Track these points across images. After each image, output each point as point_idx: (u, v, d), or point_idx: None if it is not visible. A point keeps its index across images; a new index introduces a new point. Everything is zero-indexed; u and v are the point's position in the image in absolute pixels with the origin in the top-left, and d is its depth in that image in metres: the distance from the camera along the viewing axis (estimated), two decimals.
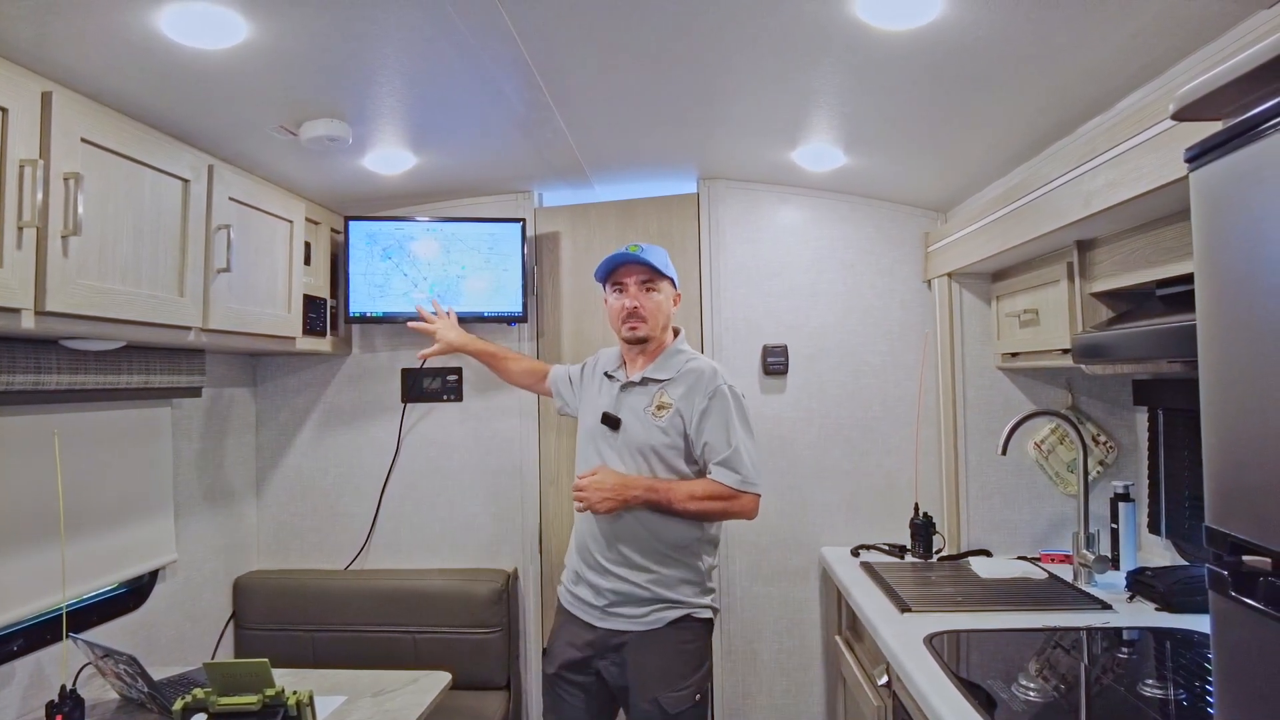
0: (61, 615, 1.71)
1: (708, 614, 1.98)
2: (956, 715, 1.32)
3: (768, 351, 2.67)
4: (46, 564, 1.82)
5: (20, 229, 1.39)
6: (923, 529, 2.45)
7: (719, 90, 1.90)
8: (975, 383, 2.52)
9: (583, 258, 2.82)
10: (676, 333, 2.11)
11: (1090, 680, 1.53)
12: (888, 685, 1.78)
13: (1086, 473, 2.21)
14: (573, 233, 2.83)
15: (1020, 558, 2.39)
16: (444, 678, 1.97)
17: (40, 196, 1.41)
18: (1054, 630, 1.75)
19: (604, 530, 1.96)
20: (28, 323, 1.43)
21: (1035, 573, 2.22)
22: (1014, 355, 2.36)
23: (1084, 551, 2.10)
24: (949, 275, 2.51)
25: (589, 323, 2.81)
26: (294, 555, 2.80)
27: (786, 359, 2.67)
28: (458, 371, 2.81)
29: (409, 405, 2.82)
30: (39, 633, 1.85)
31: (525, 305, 2.69)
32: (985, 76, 1.68)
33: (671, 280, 2.07)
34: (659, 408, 1.97)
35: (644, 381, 2.01)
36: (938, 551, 2.46)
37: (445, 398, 2.82)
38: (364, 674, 1.98)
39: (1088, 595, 1.99)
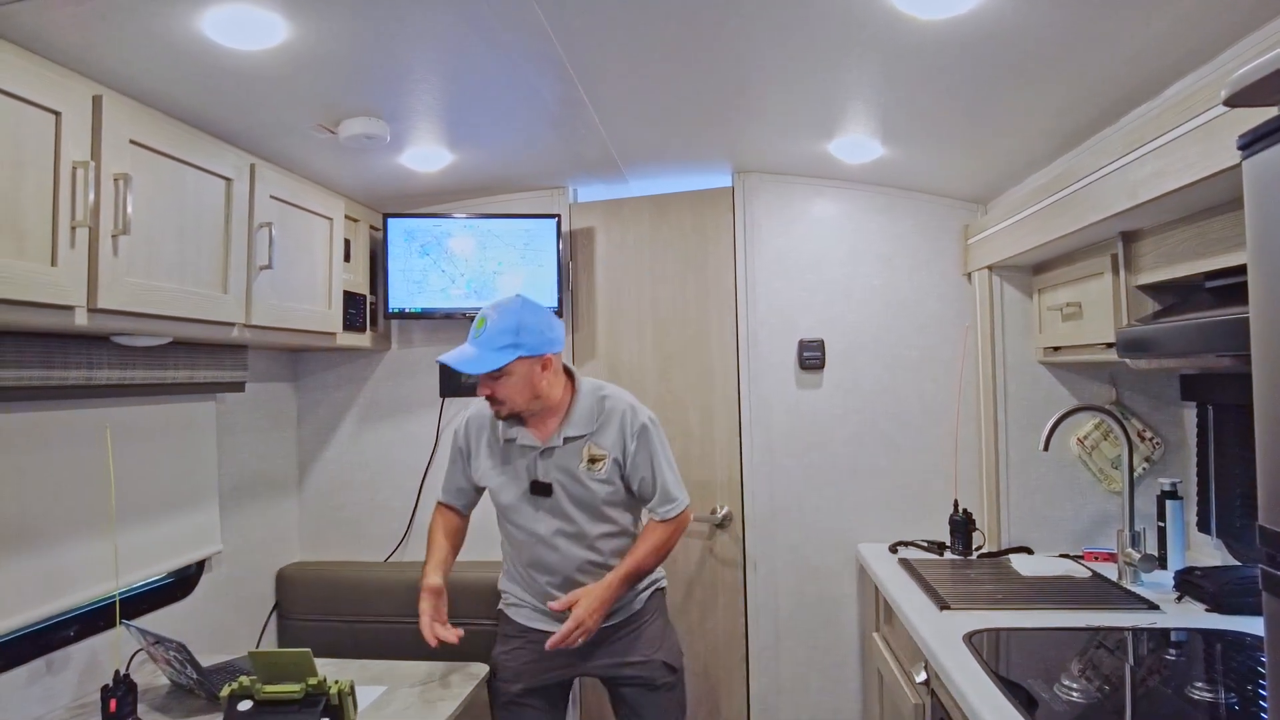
0: (114, 603, 1.76)
1: (664, 582, 2.14)
2: (997, 714, 1.30)
3: (804, 346, 2.65)
4: (99, 553, 1.87)
5: (73, 229, 1.43)
6: (962, 525, 2.42)
7: (753, 83, 1.89)
8: (1016, 377, 2.47)
9: (617, 253, 2.82)
10: (570, 374, 2.01)
11: (1136, 682, 1.50)
12: (926, 683, 1.76)
13: (1132, 469, 2.16)
14: (607, 228, 2.84)
15: (1063, 555, 2.34)
16: (482, 669, 2.00)
17: (92, 197, 1.45)
18: (1098, 630, 1.71)
19: (557, 583, 1.99)
20: (80, 320, 1.48)
21: (1078, 571, 2.17)
22: (1056, 349, 2.31)
23: (1129, 550, 2.06)
24: (989, 268, 2.47)
25: (623, 317, 2.81)
26: (335, 547, 2.85)
27: (823, 353, 2.65)
28: None
29: (446, 399, 2.85)
30: (94, 619, 1.91)
31: (560, 300, 2.70)
32: (1026, 65, 1.65)
33: (523, 356, 1.85)
34: (592, 461, 1.94)
35: (567, 442, 1.94)
36: (977, 548, 2.42)
37: None
38: (403, 664, 2.01)
39: (1133, 595, 1.94)
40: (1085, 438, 2.42)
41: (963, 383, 2.57)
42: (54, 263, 1.40)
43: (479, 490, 2.10)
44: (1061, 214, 1.88)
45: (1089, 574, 2.15)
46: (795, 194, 2.68)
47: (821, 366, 2.65)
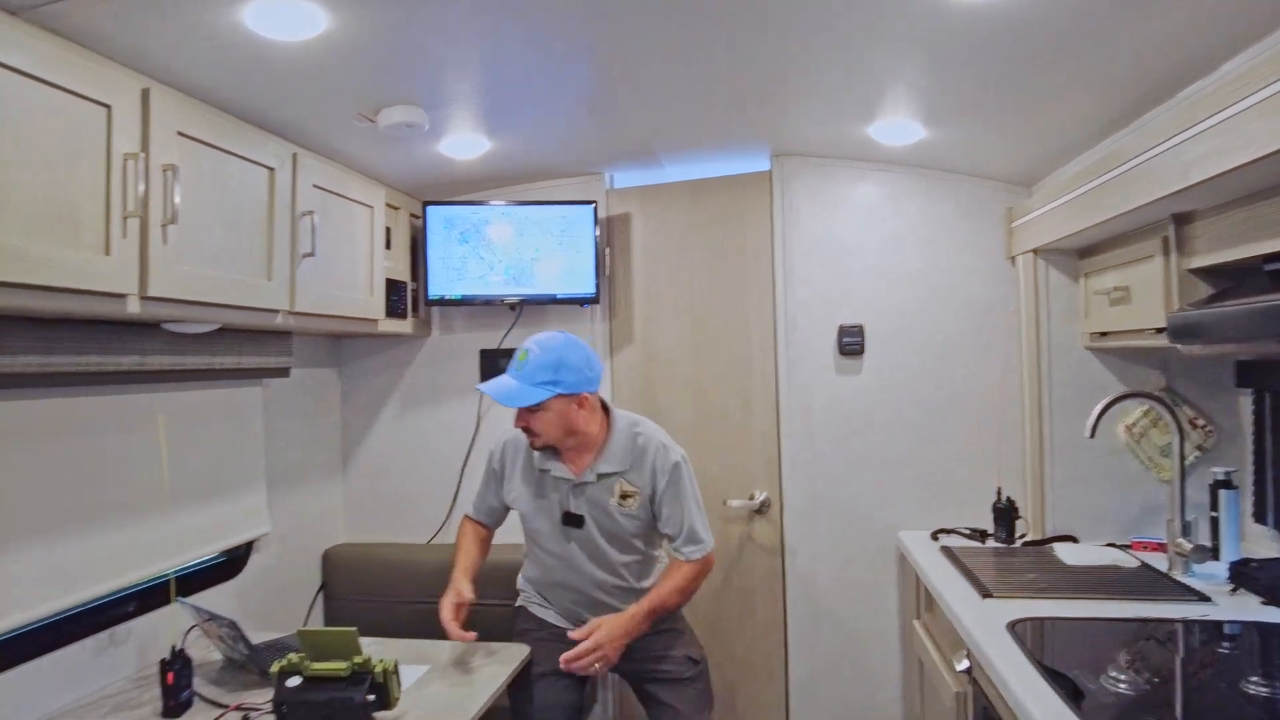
0: (170, 581, 1.82)
1: None
2: (1041, 704, 1.28)
3: (843, 331, 2.62)
4: (154, 533, 1.94)
5: (125, 219, 1.47)
6: (1005, 513, 2.38)
7: (792, 65, 1.86)
8: (1061, 363, 2.42)
9: (654, 239, 2.82)
10: (606, 410, 2.07)
11: (1187, 675, 1.46)
12: (968, 671, 1.74)
13: (1183, 457, 2.10)
14: (644, 213, 2.83)
15: (1109, 545, 2.29)
16: (523, 650, 2.02)
17: (141, 188, 1.49)
18: (1147, 621, 1.68)
19: (581, 600, 2.10)
20: (133, 307, 1.52)
21: (1126, 561, 2.13)
22: (1103, 335, 2.26)
23: (1180, 540, 2.01)
24: (1034, 252, 2.41)
25: (660, 305, 2.81)
26: (379, 529, 2.91)
27: (863, 339, 2.61)
28: None
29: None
30: (150, 596, 1.98)
31: (598, 287, 2.71)
32: (1072, 43, 1.60)
33: (561, 394, 1.92)
34: (624, 497, 2.02)
35: (600, 478, 2.01)
36: (1020, 536, 2.39)
37: None
38: (446, 644, 2.04)
39: (1184, 586, 1.90)
40: (1133, 425, 2.36)
41: (1006, 369, 2.52)
42: (107, 252, 1.44)
43: (508, 510, 2.20)
44: (1110, 196, 1.82)
45: (1137, 564, 2.10)
46: (835, 177, 2.64)
47: (861, 352, 2.62)
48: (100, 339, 1.73)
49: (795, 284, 2.66)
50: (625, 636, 1.94)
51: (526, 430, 1.98)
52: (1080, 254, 2.37)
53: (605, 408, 2.07)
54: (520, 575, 2.27)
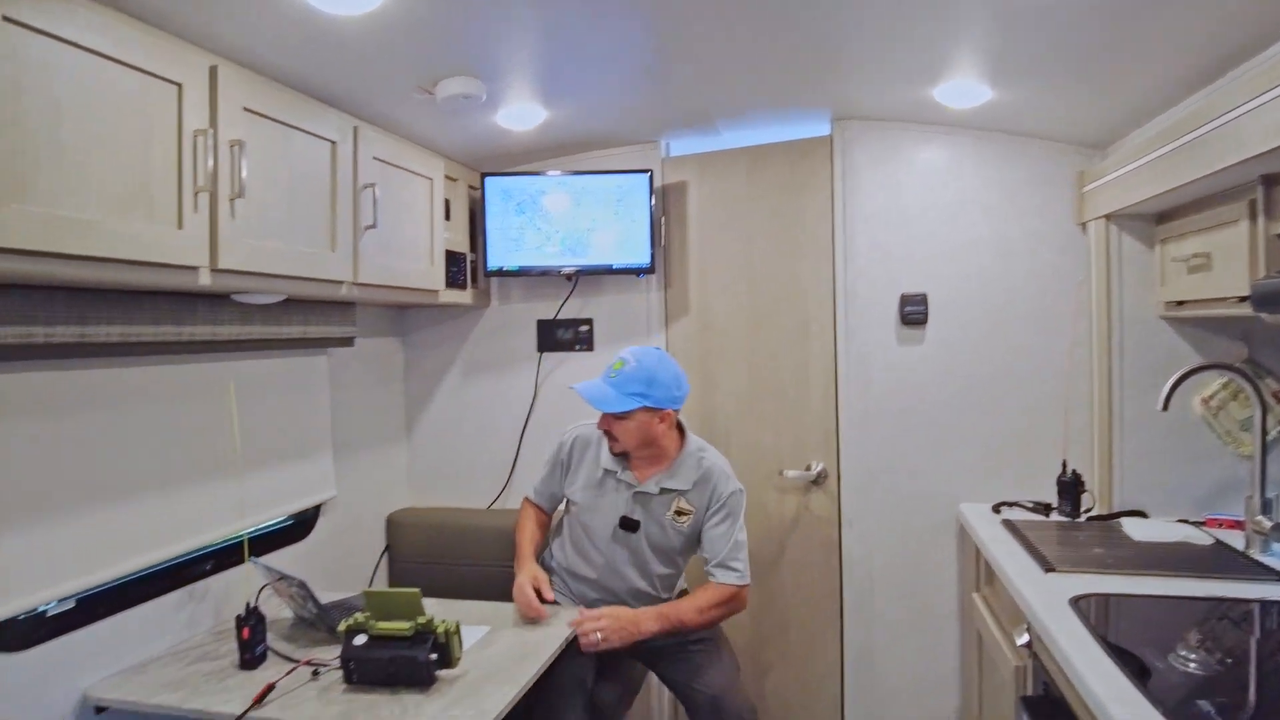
0: (243, 542, 1.90)
1: None
2: (1104, 680, 1.26)
3: (905, 301, 2.56)
4: (228, 496, 2.02)
5: (196, 194, 1.52)
6: (1070, 487, 2.32)
7: (853, 25, 1.81)
8: (1134, 333, 2.33)
9: (710, 207, 2.79)
10: (682, 430, 2.20)
11: (1263, 656, 1.41)
12: (1028, 645, 1.71)
13: (1265, 432, 2.01)
14: (700, 182, 2.80)
15: (1181, 521, 2.22)
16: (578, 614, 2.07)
17: (211, 163, 1.54)
18: (1220, 600, 1.62)
19: (604, 600, 2.17)
20: (205, 279, 1.58)
21: (1199, 538, 2.05)
22: (1180, 304, 2.16)
23: (1259, 518, 1.93)
24: (1106, 217, 2.31)
25: (716, 274, 2.79)
26: (441, 494, 2.98)
27: (925, 308, 2.56)
28: (589, 323, 2.88)
29: (544, 354, 2.91)
30: (225, 556, 2.08)
31: (653, 257, 2.70)
32: None
33: (648, 407, 2.05)
34: (678, 513, 2.13)
35: (662, 492, 2.12)
36: (1086, 511, 2.32)
37: (578, 347, 2.89)
38: (506, 606, 2.10)
39: (1262, 565, 1.82)
40: (1211, 398, 2.26)
41: (1074, 339, 2.44)
42: (180, 226, 1.50)
43: (556, 495, 2.32)
44: (1191, 157, 1.73)
45: (1211, 541, 2.03)
46: (897, 141, 2.57)
47: (924, 322, 2.56)
48: (175, 310, 1.81)
49: (856, 252, 2.61)
50: (631, 624, 2.00)
51: (608, 434, 2.12)
52: (1157, 219, 2.27)
53: (681, 429, 2.20)
54: (547, 553, 2.35)
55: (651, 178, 2.69)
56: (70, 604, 1.70)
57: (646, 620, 2.02)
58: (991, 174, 2.51)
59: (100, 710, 1.67)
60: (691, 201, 2.81)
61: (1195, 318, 2.21)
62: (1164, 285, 2.25)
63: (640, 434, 2.08)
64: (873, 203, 2.59)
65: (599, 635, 1.96)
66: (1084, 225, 2.44)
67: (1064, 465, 2.37)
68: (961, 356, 2.55)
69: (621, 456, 2.15)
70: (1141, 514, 2.28)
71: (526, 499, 2.38)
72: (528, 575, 2.08)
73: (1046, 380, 2.48)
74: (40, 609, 1.64)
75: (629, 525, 2.14)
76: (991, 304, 2.52)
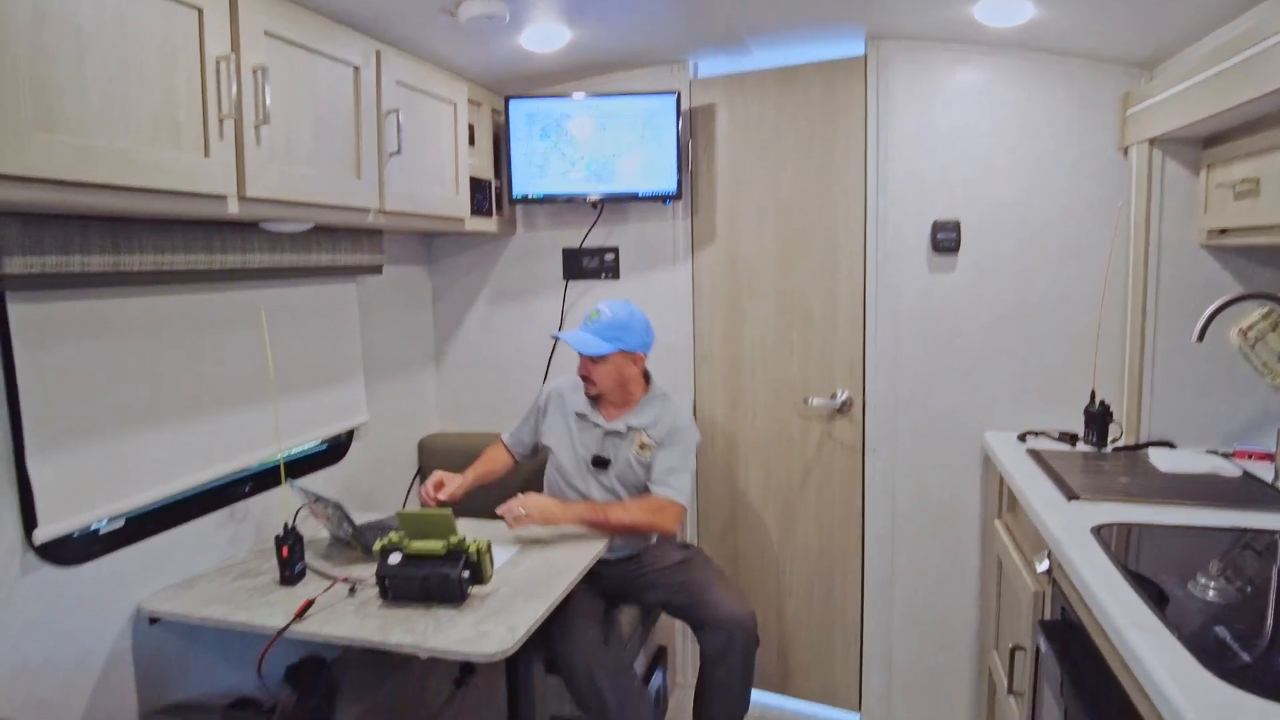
0: (279, 465, 1.97)
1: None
2: (1122, 606, 1.28)
3: (938, 227, 2.51)
4: (263, 421, 2.08)
5: (221, 121, 1.51)
6: (1098, 417, 2.30)
7: None
8: (1172, 262, 2.27)
9: (739, 131, 2.73)
10: (648, 376, 2.42)
11: None
12: (1048, 572, 1.74)
13: None
14: (729, 104, 2.73)
15: (1210, 452, 2.20)
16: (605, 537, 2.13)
17: (234, 89, 1.52)
18: (1245, 531, 1.62)
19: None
20: (233, 208, 1.58)
21: (1227, 469, 2.04)
22: (1223, 232, 2.09)
23: None
24: (1150, 141, 2.23)
25: (744, 201, 2.75)
26: (470, 419, 3.04)
27: (958, 235, 2.50)
28: (614, 251, 2.86)
29: (570, 282, 2.91)
30: (263, 479, 2.15)
31: (679, 183, 2.66)
32: None
33: (622, 350, 2.28)
34: (641, 447, 2.32)
35: (629, 430, 2.33)
36: (1113, 441, 2.31)
37: (604, 276, 2.89)
38: (537, 529, 2.16)
39: None
40: (1250, 328, 2.22)
41: (1110, 268, 2.39)
42: (207, 154, 1.50)
43: (534, 449, 2.54)
44: (1247, 76, 1.65)
45: (1239, 473, 2.02)
46: (934, 62, 2.48)
47: (956, 249, 2.52)
48: (206, 239, 1.83)
49: (889, 177, 2.54)
50: (550, 510, 2.16)
51: (586, 378, 2.33)
52: (1205, 143, 2.18)
53: (647, 376, 2.42)
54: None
55: (679, 100, 2.63)
56: (120, 523, 1.78)
57: (571, 509, 2.18)
58: (1031, 97, 2.42)
59: (154, 621, 1.76)
60: (720, 125, 2.75)
61: (1238, 246, 2.15)
62: (1207, 213, 2.17)
63: (615, 376, 2.30)
64: (907, 126, 2.51)
65: (522, 510, 2.10)
66: (1126, 150, 2.36)
67: (1092, 395, 2.35)
68: (993, 284, 2.51)
69: (594, 400, 2.37)
70: (1169, 445, 2.27)
71: (499, 439, 2.57)
72: (442, 472, 2.36)
73: (1079, 309, 2.44)
74: (92, 527, 1.72)
75: (600, 463, 2.35)
76: (1026, 231, 2.47)
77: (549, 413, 2.46)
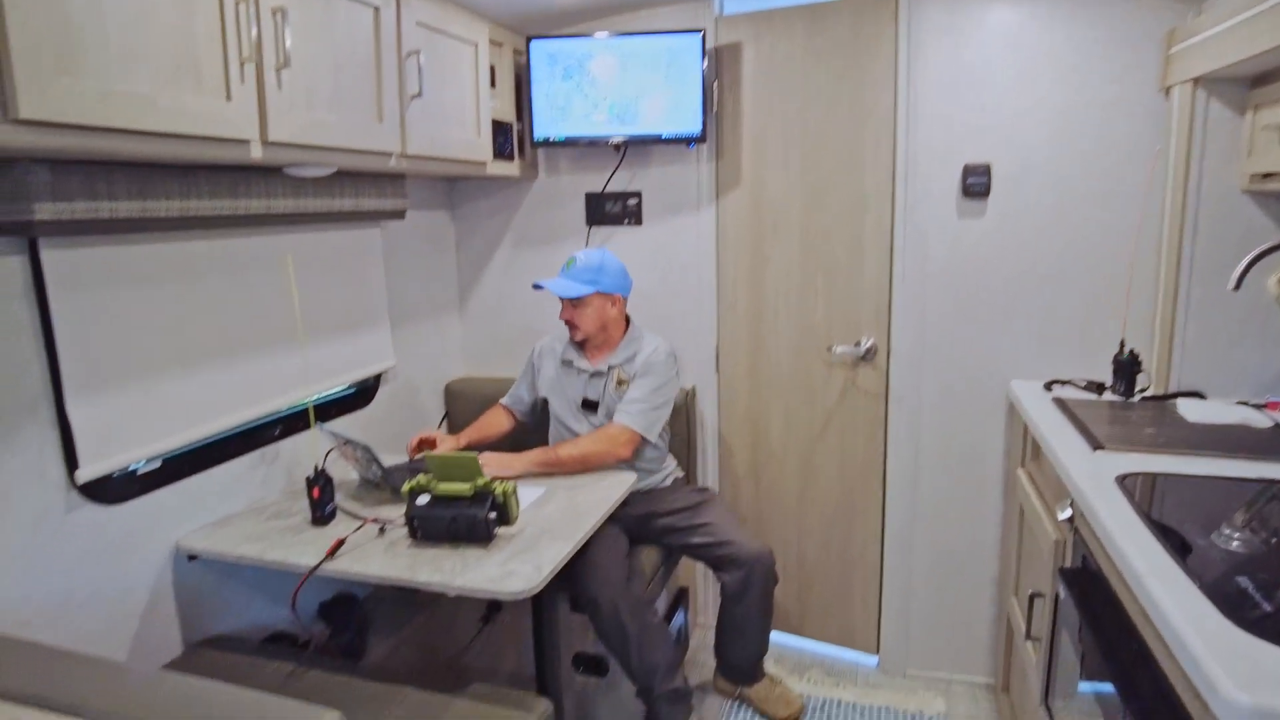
0: (309, 408, 2.00)
1: (679, 473, 2.64)
2: (1144, 555, 1.28)
3: (968, 171, 2.45)
4: (291, 366, 2.11)
5: (241, 64, 1.50)
6: (1127, 367, 2.27)
7: None
8: (1211, 208, 2.20)
9: (766, 71, 2.66)
10: (628, 320, 2.49)
11: None
12: (1070, 520, 1.74)
13: None
14: (756, 43, 2.66)
15: (1241, 403, 2.17)
16: (630, 478, 2.18)
17: (254, 32, 1.51)
18: (1272, 482, 1.60)
19: None
20: (256, 153, 1.58)
21: (1258, 420, 2.02)
22: (1267, 176, 2.03)
23: None
24: (1194, 81, 2.14)
25: (770, 142, 2.69)
26: (495, 364, 3.06)
27: (989, 179, 2.44)
28: (638, 195, 2.83)
29: (593, 228, 2.90)
30: (293, 423, 2.20)
31: (704, 125, 2.61)
32: None
33: (600, 292, 2.36)
34: (619, 384, 2.42)
35: (609, 369, 2.43)
36: (1141, 391, 2.29)
37: (626, 221, 2.86)
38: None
39: None
40: None
41: (1145, 214, 2.32)
42: (228, 98, 1.49)
43: (533, 406, 2.63)
44: None
45: (1271, 424, 1.99)
46: None
47: (986, 194, 2.46)
48: (231, 184, 1.83)
49: (919, 120, 2.48)
50: (508, 462, 2.20)
51: (569, 323, 2.41)
52: (1253, 82, 2.10)
53: (628, 319, 2.50)
54: None
55: (704, 38, 2.56)
56: (157, 464, 1.84)
57: (525, 456, 2.23)
58: (1070, 35, 2.32)
59: (192, 558, 1.82)
60: (746, 65, 2.68)
61: None
62: (1251, 156, 2.10)
63: (597, 318, 2.39)
64: (938, 67, 2.44)
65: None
66: (1167, 91, 2.27)
67: (1121, 345, 2.32)
68: (1024, 230, 2.46)
69: (580, 346, 2.47)
70: (1199, 396, 2.24)
71: (499, 403, 2.66)
72: (435, 431, 2.53)
73: (1112, 255, 2.39)
74: (130, 468, 1.77)
75: (589, 405, 2.45)
76: (1059, 175, 2.40)
77: (543, 367, 2.57)
